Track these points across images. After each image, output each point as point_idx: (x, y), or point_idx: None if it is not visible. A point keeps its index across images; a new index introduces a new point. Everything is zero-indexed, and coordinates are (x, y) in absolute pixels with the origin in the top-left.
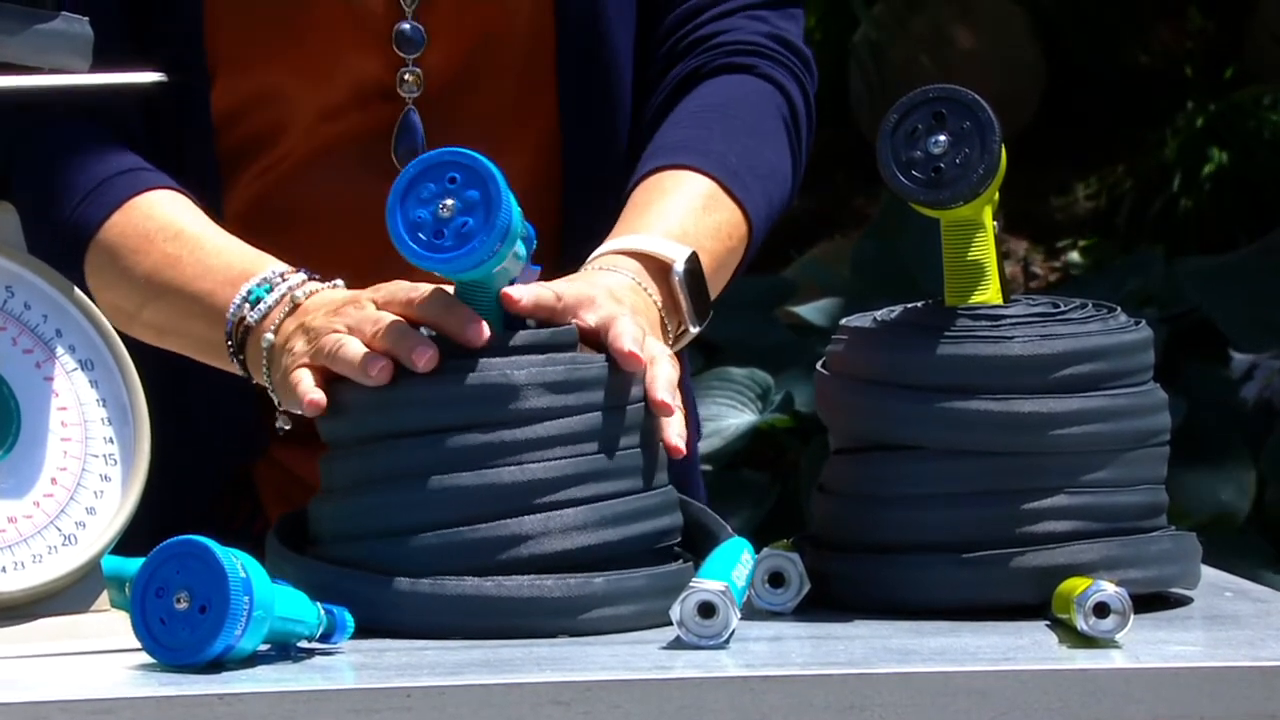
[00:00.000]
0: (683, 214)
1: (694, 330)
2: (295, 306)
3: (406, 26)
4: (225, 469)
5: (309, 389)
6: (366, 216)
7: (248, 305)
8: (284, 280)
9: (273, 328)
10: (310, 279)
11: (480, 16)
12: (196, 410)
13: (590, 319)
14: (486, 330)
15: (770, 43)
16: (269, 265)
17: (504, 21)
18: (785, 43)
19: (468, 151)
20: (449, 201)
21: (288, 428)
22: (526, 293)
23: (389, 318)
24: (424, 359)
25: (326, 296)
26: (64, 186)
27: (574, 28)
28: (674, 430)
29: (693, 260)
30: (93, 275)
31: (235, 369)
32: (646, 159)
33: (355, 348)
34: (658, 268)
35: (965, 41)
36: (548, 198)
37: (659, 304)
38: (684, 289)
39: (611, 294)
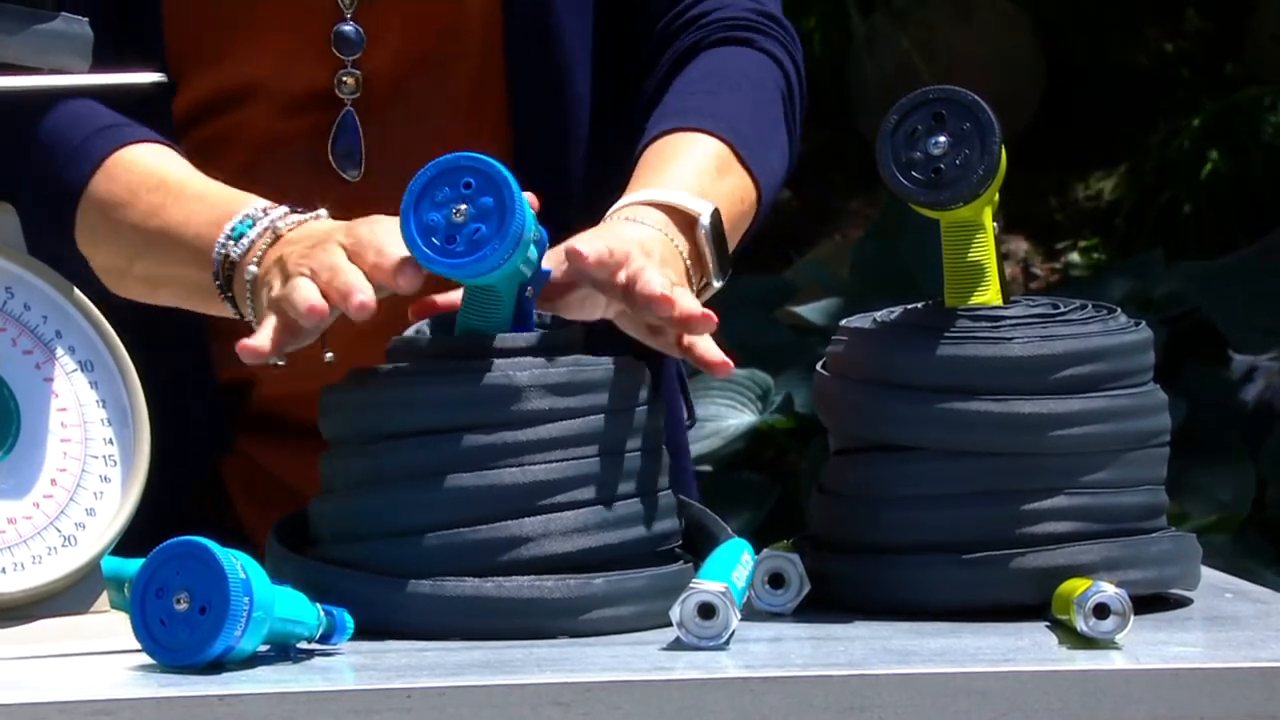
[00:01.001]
0: (698, 174)
1: (717, 284)
2: (277, 238)
3: (347, 28)
4: (198, 466)
5: (309, 295)
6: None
7: (231, 241)
8: (266, 215)
9: (255, 259)
10: (293, 211)
11: (426, 11)
12: (166, 408)
13: (620, 275)
14: (415, 270)
15: (761, 18)
16: (252, 202)
17: (451, 15)
18: (772, 17)
19: (483, 157)
20: (463, 207)
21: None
22: (591, 249)
23: (345, 267)
24: (355, 305)
25: (309, 229)
26: (49, 151)
27: (522, 18)
28: (709, 350)
29: (715, 216)
30: (83, 236)
31: (228, 311)
32: (655, 122)
33: (307, 292)
34: (683, 220)
35: (964, 42)
36: None
37: (685, 256)
38: (709, 242)
39: (642, 247)
